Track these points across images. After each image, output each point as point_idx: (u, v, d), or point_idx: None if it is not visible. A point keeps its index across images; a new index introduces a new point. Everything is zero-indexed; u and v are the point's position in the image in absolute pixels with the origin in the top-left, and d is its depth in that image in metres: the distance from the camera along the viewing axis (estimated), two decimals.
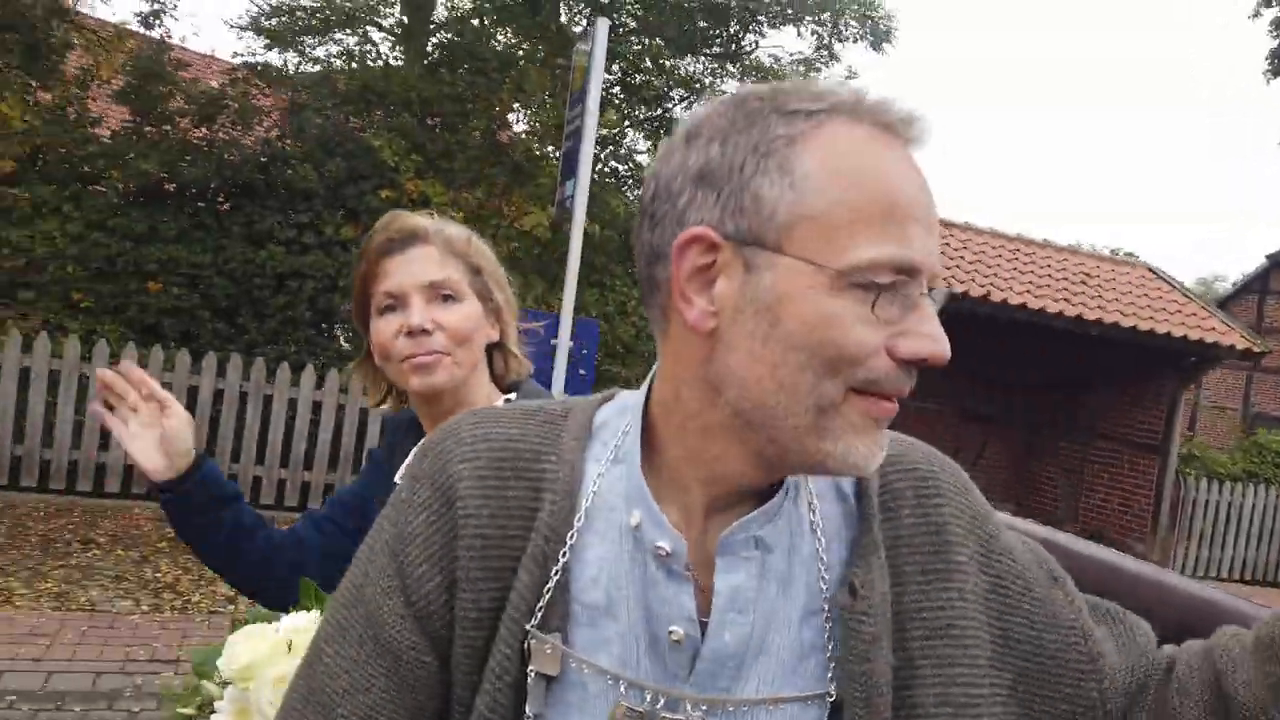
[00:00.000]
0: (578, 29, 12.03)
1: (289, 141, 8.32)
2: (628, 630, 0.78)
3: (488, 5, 11.03)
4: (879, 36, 10.56)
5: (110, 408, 1.49)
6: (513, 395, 1.54)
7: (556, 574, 0.78)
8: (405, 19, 13.96)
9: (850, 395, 0.72)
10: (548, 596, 0.78)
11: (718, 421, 0.76)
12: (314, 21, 13.79)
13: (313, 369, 7.63)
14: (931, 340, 0.72)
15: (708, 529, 0.79)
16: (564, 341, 6.07)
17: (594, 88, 5.93)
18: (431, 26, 12.44)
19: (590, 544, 0.80)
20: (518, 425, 0.84)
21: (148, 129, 8.29)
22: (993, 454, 12.79)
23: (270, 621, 1.27)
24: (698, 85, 11.33)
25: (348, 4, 13.97)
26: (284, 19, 13.38)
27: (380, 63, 11.37)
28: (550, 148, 9.82)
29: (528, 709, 0.77)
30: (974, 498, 0.87)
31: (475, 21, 11.93)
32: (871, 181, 0.71)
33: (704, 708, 0.76)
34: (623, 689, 0.76)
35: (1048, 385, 12.28)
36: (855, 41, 10.67)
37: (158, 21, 8.49)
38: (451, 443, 0.83)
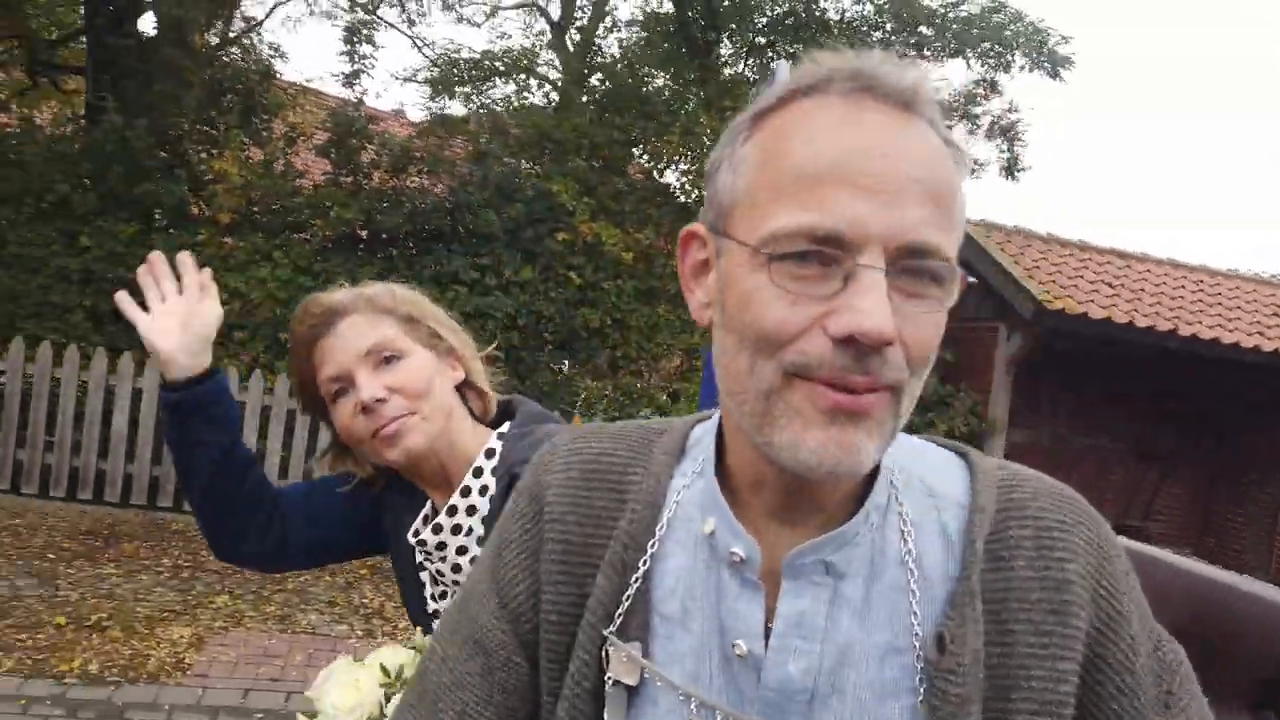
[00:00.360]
0: (728, 69, 12.23)
1: (472, 187, 8.73)
2: (700, 644, 0.77)
3: (646, 51, 11.32)
4: (1056, 63, 10.32)
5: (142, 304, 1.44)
6: (505, 426, 1.47)
7: (636, 582, 0.79)
8: (562, 66, 14.54)
9: (794, 381, 0.68)
10: (626, 604, 0.79)
11: (732, 419, 0.75)
12: (475, 72, 14.49)
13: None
14: (856, 314, 0.65)
15: (776, 542, 0.76)
16: None
17: None
18: (585, 72, 12.88)
19: (670, 554, 0.80)
20: (611, 441, 0.87)
21: (344, 180, 8.87)
22: (1171, 495, 12.10)
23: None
24: None
25: (506, 54, 14.63)
26: (446, 69, 14.12)
27: (541, 107, 11.80)
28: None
29: (606, 717, 0.78)
30: (1112, 565, 0.76)
31: (629, 65, 12.28)
32: (795, 151, 0.69)
33: None
34: (693, 707, 0.76)
35: (1234, 420, 11.57)
36: (1029, 70, 10.46)
37: (356, 81, 9.08)
38: (549, 457, 0.88)
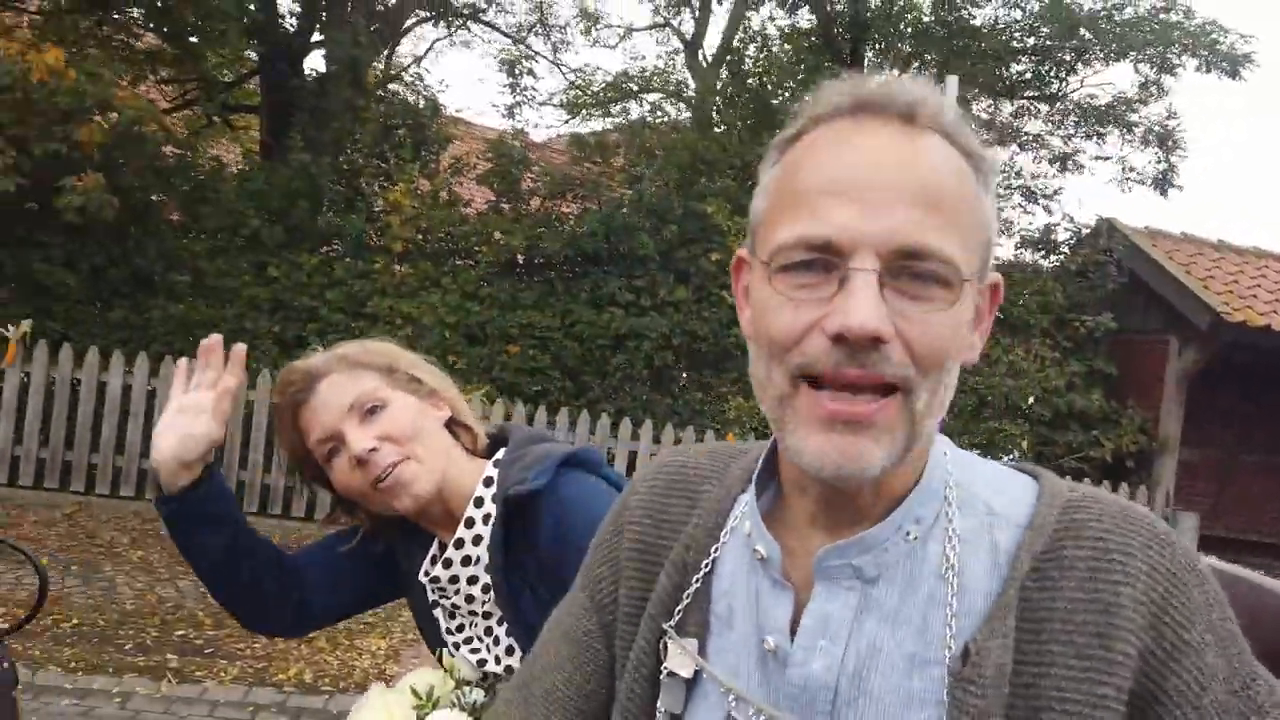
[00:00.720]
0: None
1: (626, 210, 8.94)
2: (741, 641, 0.82)
3: (792, 65, 11.31)
4: (1233, 63, 9.80)
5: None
6: (500, 453, 1.49)
7: (696, 583, 0.85)
8: (697, 83, 14.68)
9: (801, 387, 0.73)
10: (686, 601, 0.85)
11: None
12: (612, 93, 14.80)
13: (650, 424, 8.09)
14: (845, 313, 0.69)
15: (817, 548, 0.79)
16: None
17: None
18: (721, 88, 12.95)
19: (727, 559, 0.86)
20: (696, 457, 0.95)
21: (505, 207, 9.23)
22: None
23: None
24: (1012, 130, 11.02)
25: (642, 75, 14.87)
26: (579, 93, 14.47)
27: (684, 126, 11.94)
28: None
29: (660, 704, 0.84)
30: (1184, 594, 0.73)
31: (774, 80, 12.28)
32: (801, 172, 0.75)
33: None
34: (731, 701, 0.80)
35: None
36: (1205, 71, 9.95)
37: (518, 111, 9.44)
38: (643, 470, 0.98)
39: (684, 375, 8.92)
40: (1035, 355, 9.32)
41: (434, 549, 1.50)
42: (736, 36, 13.35)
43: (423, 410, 1.46)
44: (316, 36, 10.50)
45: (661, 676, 0.85)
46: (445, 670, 1.46)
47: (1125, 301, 9.84)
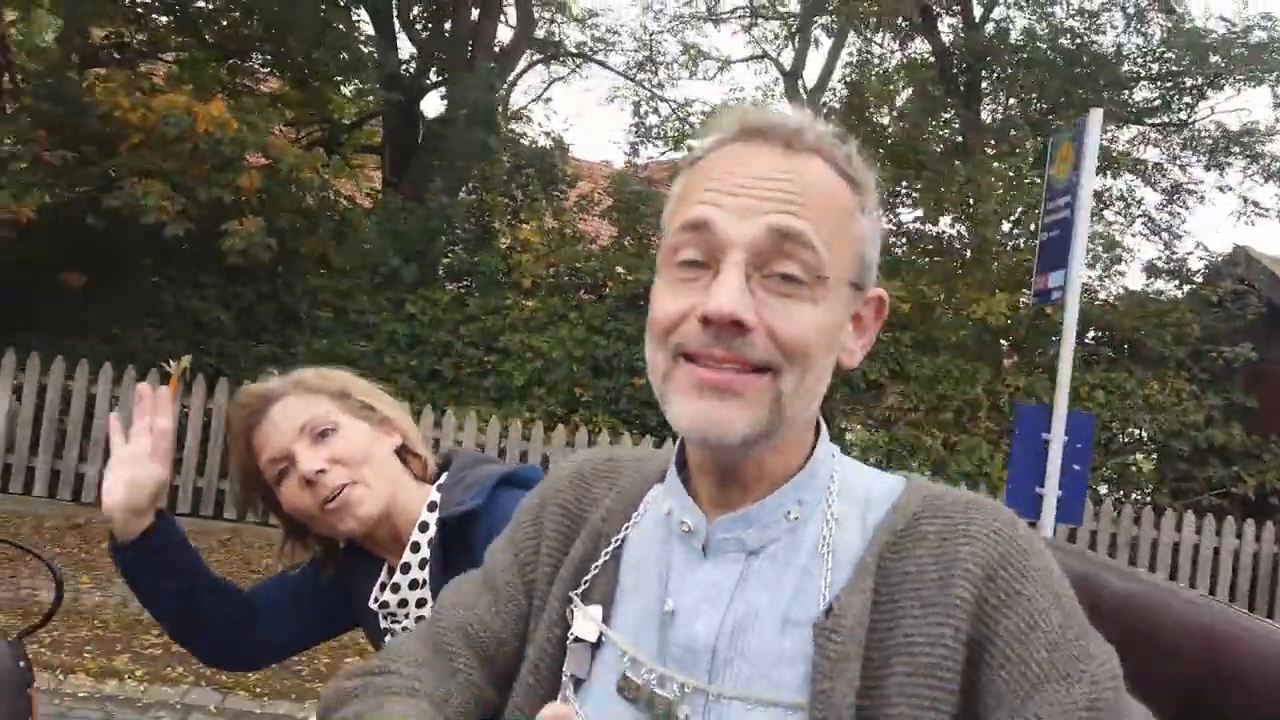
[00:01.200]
0: (993, 110, 11.95)
1: None
2: (644, 607, 0.90)
3: (912, 102, 11.29)
4: None
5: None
6: (443, 477, 1.52)
7: (605, 555, 0.93)
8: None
9: (679, 362, 0.82)
10: (594, 571, 0.93)
11: None
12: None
13: None
14: (710, 299, 0.79)
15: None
16: (1057, 435, 5.97)
17: (1086, 178, 5.92)
18: (822, 115, 12.94)
19: (640, 536, 0.94)
20: (623, 451, 1.05)
21: (628, 241, 9.41)
22: None
23: None
24: (1132, 159, 10.79)
25: (738, 106, 14.98)
26: (682, 125, 14.66)
27: None
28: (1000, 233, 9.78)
29: (565, 667, 0.92)
30: (1023, 558, 0.82)
31: (894, 113, 12.28)
32: (692, 185, 0.86)
33: (688, 690, 0.84)
34: (627, 660, 0.88)
35: None
36: None
37: (641, 147, 9.65)
38: (576, 455, 1.07)
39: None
40: (1171, 389, 9.04)
41: (383, 575, 1.53)
42: (844, 68, 13.42)
43: (373, 436, 1.50)
44: (433, 77, 11.01)
45: (568, 642, 0.92)
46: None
47: (1263, 332, 9.49)
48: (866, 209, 0.88)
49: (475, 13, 10.84)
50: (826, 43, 13.93)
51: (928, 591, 0.81)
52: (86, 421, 7.61)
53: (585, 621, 0.92)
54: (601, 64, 13.88)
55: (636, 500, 0.97)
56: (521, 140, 10.43)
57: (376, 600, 1.50)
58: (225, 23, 9.78)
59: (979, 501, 0.87)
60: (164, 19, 9.68)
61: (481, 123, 9.40)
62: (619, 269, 9.00)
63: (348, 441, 1.46)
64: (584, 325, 8.81)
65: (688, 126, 15.19)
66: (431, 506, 1.49)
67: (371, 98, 10.82)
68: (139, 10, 9.60)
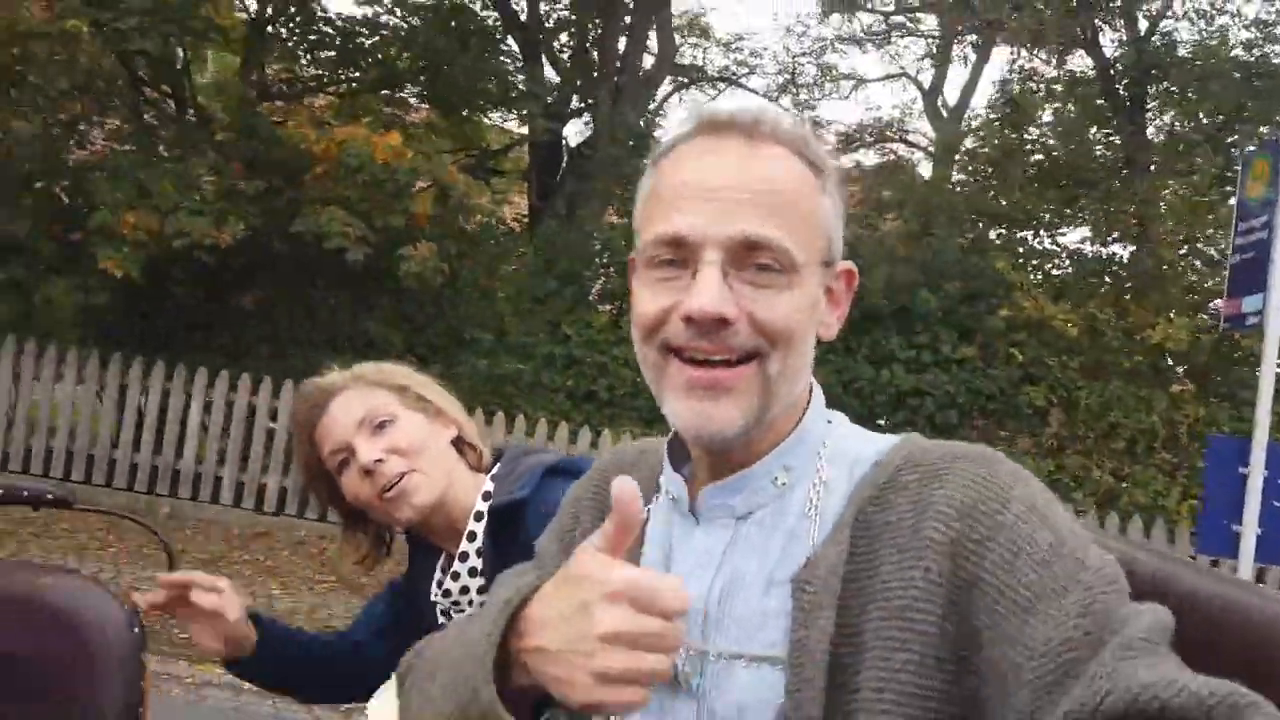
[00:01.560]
0: (1160, 125, 11.43)
1: (907, 265, 8.88)
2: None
3: (1074, 115, 10.91)
4: None
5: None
6: (496, 468, 1.56)
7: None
8: (936, 133, 14.45)
9: (671, 359, 0.86)
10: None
11: None
12: (849, 143, 14.78)
13: None
14: (692, 298, 0.83)
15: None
16: (1257, 468, 5.62)
17: None
18: (970, 130, 12.67)
19: (658, 515, 0.97)
20: (653, 442, 1.06)
21: None
22: None
23: None
24: None
25: (876, 124, 14.80)
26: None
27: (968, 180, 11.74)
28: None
29: None
30: (1000, 490, 0.82)
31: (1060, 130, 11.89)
32: (661, 182, 0.90)
33: (690, 653, 0.87)
34: None
35: None
36: None
37: None
38: (611, 449, 1.11)
39: (974, 433, 8.67)
40: None
41: (442, 563, 1.58)
42: (992, 84, 13.07)
43: (430, 428, 1.54)
44: (575, 102, 11.28)
45: None
46: None
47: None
48: (827, 189, 0.91)
49: (622, 41, 11.08)
50: (968, 57, 13.63)
51: (903, 538, 0.83)
52: (267, 437, 8.05)
53: None
54: (744, 87, 13.93)
55: (656, 482, 1.02)
56: None
57: (440, 586, 1.56)
58: (382, 56, 10.27)
59: (968, 452, 0.88)
60: (329, 54, 10.23)
61: (631, 147, 9.55)
62: None
63: (405, 432, 1.51)
64: None
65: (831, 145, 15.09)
66: (485, 496, 1.54)
67: (525, 127, 11.16)
68: (308, 47, 10.18)
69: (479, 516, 1.52)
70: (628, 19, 11.24)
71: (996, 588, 0.78)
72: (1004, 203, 9.39)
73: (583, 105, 11.50)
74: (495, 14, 11.03)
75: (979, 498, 0.82)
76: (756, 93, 14.21)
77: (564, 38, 12.10)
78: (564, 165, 11.13)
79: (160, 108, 9.53)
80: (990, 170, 10.85)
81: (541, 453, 1.60)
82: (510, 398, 8.75)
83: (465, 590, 1.53)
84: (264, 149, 8.22)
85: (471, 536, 1.52)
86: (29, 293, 7.71)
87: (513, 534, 1.44)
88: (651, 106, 12.09)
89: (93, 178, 7.62)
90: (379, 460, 1.48)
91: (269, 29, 9.79)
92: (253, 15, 9.73)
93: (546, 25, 11.61)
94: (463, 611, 1.54)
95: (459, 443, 1.58)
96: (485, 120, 11.58)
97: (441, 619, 1.55)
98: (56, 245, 7.70)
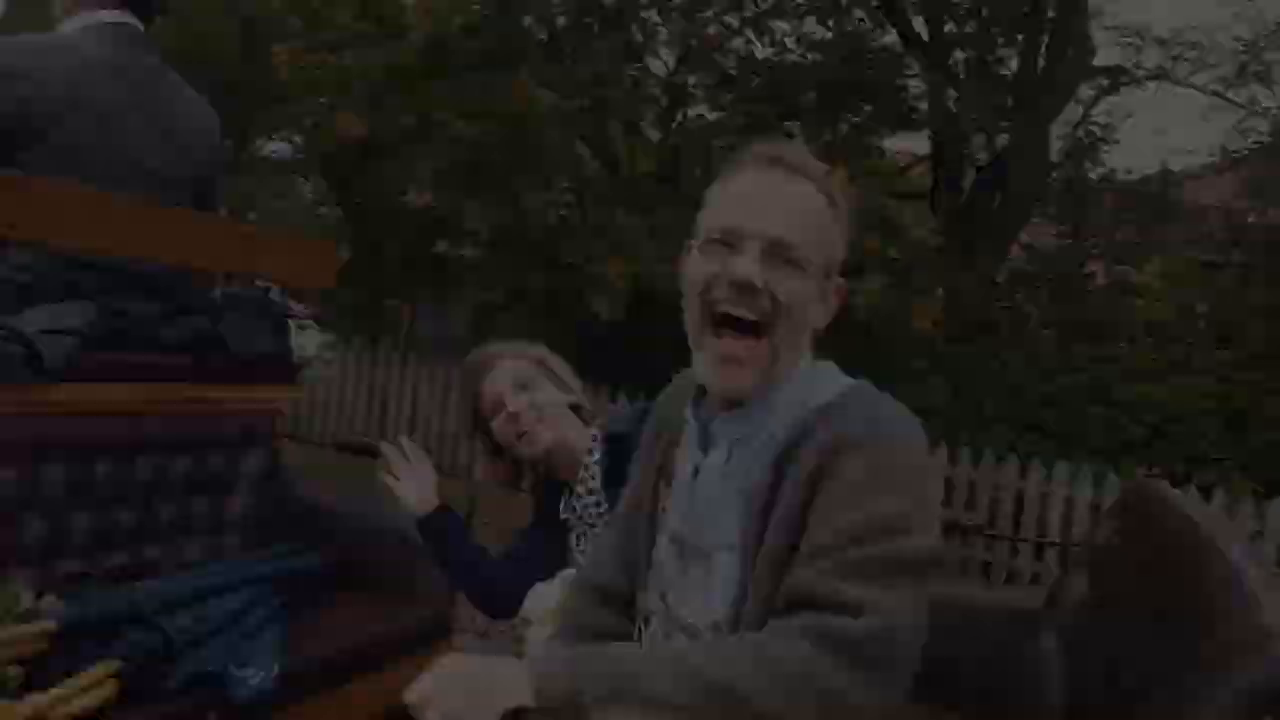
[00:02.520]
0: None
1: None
2: (680, 485, 1.31)
3: None
4: None
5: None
6: (603, 422, 2.02)
7: (672, 454, 1.36)
8: None
9: (708, 331, 1.21)
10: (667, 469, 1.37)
11: None
12: None
13: None
14: (735, 267, 1.18)
15: None
16: None
17: None
18: None
19: (691, 439, 1.31)
20: (690, 376, 1.35)
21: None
22: None
23: None
24: None
25: None
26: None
27: None
28: None
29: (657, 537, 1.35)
30: (875, 426, 1.14)
31: None
32: (723, 192, 1.25)
33: (685, 544, 1.26)
34: (674, 518, 1.30)
35: None
36: None
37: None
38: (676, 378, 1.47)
39: None
40: None
41: (565, 495, 2.01)
42: None
43: (558, 391, 2.07)
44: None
45: (657, 516, 1.35)
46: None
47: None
48: (838, 219, 1.24)
49: (1043, 47, 10.42)
50: None
51: (809, 465, 1.13)
52: None
53: (666, 497, 1.34)
54: (1183, 84, 12.46)
55: (684, 409, 1.34)
56: (1126, 180, 9.81)
57: (571, 509, 1.99)
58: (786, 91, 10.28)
59: (882, 398, 1.20)
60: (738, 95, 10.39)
61: (1065, 162, 9.00)
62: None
63: (541, 391, 2.04)
64: (1211, 377, 7.98)
65: None
66: (594, 439, 2.00)
67: (926, 146, 10.87)
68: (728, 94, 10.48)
69: (590, 454, 1.98)
70: (1044, 35, 10.56)
71: (825, 502, 1.10)
72: None
73: (986, 122, 10.96)
74: (896, 35, 10.80)
75: (859, 429, 1.12)
76: (1198, 88, 12.69)
77: (965, 51, 11.59)
78: (971, 184, 10.69)
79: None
80: None
81: (642, 406, 1.94)
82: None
83: (588, 506, 1.97)
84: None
85: (586, 467, 1.98)
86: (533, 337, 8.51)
87: (619, 463, 1.78)
88: (1071, 118, 11.26)
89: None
90: (520, 411, 2.00)
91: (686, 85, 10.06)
92: (670, 70, 10.14)
93: (948, 42, 11.21)
94: (592, 526, 1.97)
95: (575, 406, 2.09)
96: (885, 144, 11.40)
97: (571, 534, 2.00)
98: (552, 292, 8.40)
